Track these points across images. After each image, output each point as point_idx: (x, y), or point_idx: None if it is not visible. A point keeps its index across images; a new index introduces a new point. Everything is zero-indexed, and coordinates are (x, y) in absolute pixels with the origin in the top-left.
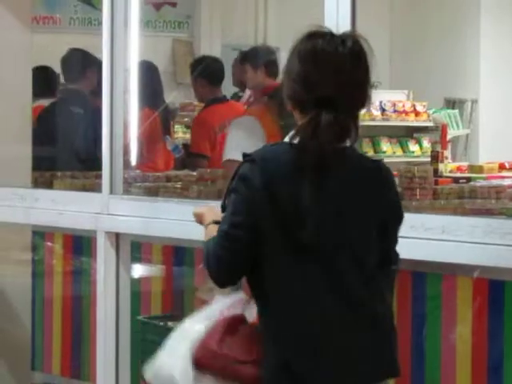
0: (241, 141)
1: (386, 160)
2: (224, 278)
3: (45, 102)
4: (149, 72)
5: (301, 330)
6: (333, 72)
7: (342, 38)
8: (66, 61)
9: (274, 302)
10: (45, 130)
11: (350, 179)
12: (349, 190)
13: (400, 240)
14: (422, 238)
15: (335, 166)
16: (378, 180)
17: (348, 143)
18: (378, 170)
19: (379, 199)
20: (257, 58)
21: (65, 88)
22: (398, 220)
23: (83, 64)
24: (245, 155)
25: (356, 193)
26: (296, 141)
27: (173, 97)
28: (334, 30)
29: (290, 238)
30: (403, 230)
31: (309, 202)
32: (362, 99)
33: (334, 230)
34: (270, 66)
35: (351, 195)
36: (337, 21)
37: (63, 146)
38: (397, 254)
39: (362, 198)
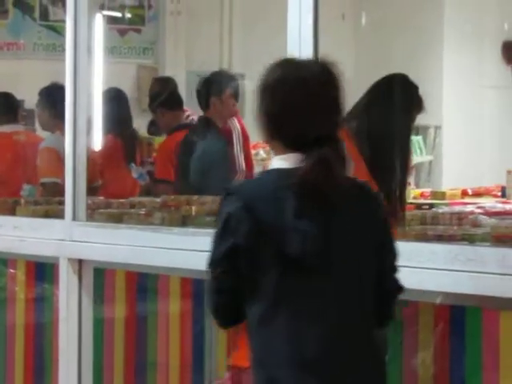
0: None
1: None
2: (221, 320)
3: (6, 129)
4: (115, 99)
5: (291, 352)
6: (320, 105)
7: (319, 64)
8: None
9: (269, 323)
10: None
11: (336, 197)
12: (336, 211)
13: None
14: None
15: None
16: (364, 197)
17: None
18: (362, 187)
19: (372, 218)
20: (216, 83)
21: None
22: (387, 236)
23: None
24: (225, 188)
25: (344, 214)
26: (301, 178)
27: (137, 124)
28: (297, 52)
29: (280, 254)
30: None
31: (293, 219)
32: (341, 121)
33: (327, 247)
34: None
35: (339, 216)
36: (299, 46)
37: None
38: (398, 285)
39: (350, 219)
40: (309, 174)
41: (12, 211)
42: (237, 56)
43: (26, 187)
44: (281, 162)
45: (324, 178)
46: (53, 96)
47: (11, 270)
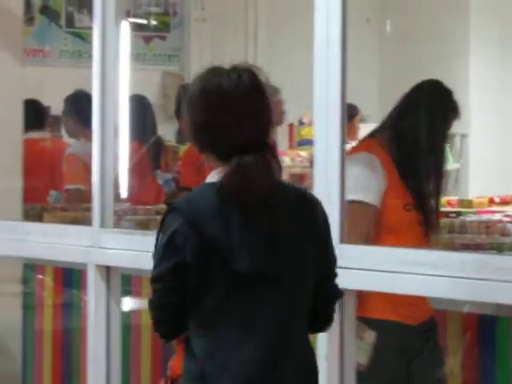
0: (362, 179)
1: None
2: (161, 333)
3: (34, 135)
4: (140, 106)
5: (234, 362)
6: (239, 113)
7: (238, 73)
8: None
9: (203, 324)
10: None
11: (279, 208)
12: (277, 218)
13: (391, 275)
14: (414, 273)
15: (264, 201)
16: (307, 206)
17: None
18: (305, 196)
19: (310, 223)
20: None
21: None
22: (326, 243)
23: None
24: (167, 203)
25: (286, 222)
26: (222, 185)
27: (163, 130)
28: (324, 63)
29: (227, 268)
30: (396, 264)
31: (238, 233)
32: (270, 130)
33: (271, 257)
34: None
35: (281, 223)
36: (327, 54)
37: None
38: (338, 290)
39: (292, 226)
40: (225, 181)
41: (39, 217)
42: (262, 63)
43: (52, 193)
44: (214, 175)
45: (239, 183)
46: (78, 103)
47: (39, 276)
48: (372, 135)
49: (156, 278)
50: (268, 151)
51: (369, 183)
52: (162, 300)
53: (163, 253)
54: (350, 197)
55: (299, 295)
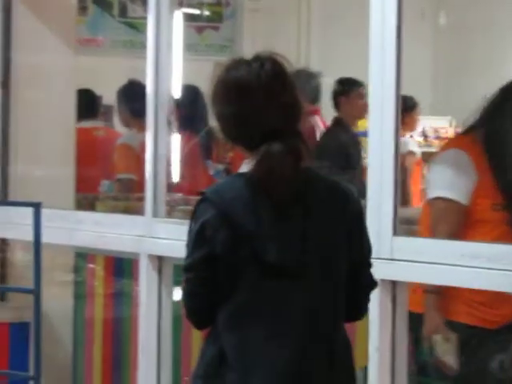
0: (450, 176)
1: None
2: (193, 321)
3: (86, 125)
4: (192, 96)
5: (257, 344)
6: (263, 102)
7: (260, 61)
8: None
9: (234, 315)
10: None
11: (311, 199)
12: (309, 208)
13: (445, 268)
14: (468, 265)
15: (294, 190)
16: (340, 197)
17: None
18: (339, 188)
19: (343, 214)
20: (297, 82)
21: None
22: (360, 234)
23: None
24: (199, 193)
25: (317, 213)
26: (251, 175)
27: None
28: (380, 55)
29: (257, 260)
30: (450, 257)
31: (269, 225)
32: (298, 115)
33: (301, 249)
34: (311, 91)
35: (313, 213)
36: (382, 46)
37: None
38: (372, 279)
39: (324, 217)
40: (253, 171)
41: (92, 207)
42: (315, 54)
43: (104, 183)
44: (245, 165)
45: (266, 172)
46: (130, 93)
47: (90, 265)
48: (466, 132)
49: (188, 268)
50: (297, 139)
51: (457, 181)
52: (194, 289)
53: (195, 243)
54: (436, 193)
55: (330, 286)
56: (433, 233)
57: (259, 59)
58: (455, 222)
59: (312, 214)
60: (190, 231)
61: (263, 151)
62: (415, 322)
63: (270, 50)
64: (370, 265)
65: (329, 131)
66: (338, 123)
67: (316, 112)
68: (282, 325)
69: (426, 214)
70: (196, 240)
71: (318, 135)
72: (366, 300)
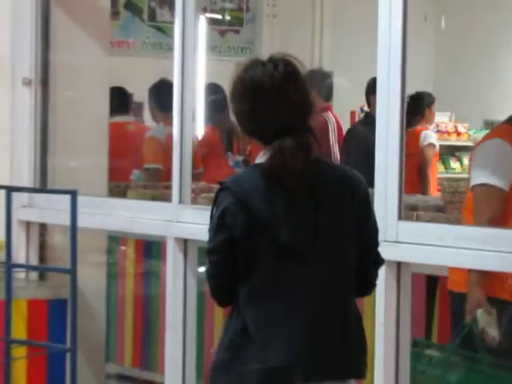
0: (493, 164)
1: None
2: (217, 299)
3: (119, 119)
4: (214, 93)
5: (275, 317)
6: (277, 100)
7: (274, 63)
8: None
9: (254, 292)
10: None
11: (321, 186)
12: (320, 194)
13: (444, 250)
14: (465, 247)
15: (305, 179)
16: (347, 183)
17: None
18: (347, 174)
19: (350, 199)
20: (311, 81)
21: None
22: (368, 217)
23: None
24: (219, 183)
25: (327, 199)
26: (266, 167)
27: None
28: (386, 56)
29: (272, 242)
30: (448, 240)
31: (282, 210)
32: (309, 112)
33: (312, 231)
34: (324, 89)
35: (323, 199)
36: (389, 48)
37: None
38: (380, 258)
39: (333, 203)
40: (268, 163)
41: (123, 194)
42: (327, 55)
43: (135, 172)
44: (260, 158)
45: (280, 164)
46: (159, 90)
47: (122, 248)
48: (508, 121)
49: (211, 250)
50: (308, 134)
51: (500, 168)
52: (217, 270)
53: (216, 228)
54: (480, 180)
55: (341, 265)
56: (476, 217)
57: (273, 61)
58: (498, 207)
59: (323, 202)
60: (211, 217)
61: (276, 146)
62: (455, 300)
63: (283, 52)
64: (377, 244)
65: (359, 125)
66: (368, 118)
67: (329, 108)
68: (297, 301)
69: (470, 200)
70: (217, 225)
71: (331, 129)
72: (374, 276)
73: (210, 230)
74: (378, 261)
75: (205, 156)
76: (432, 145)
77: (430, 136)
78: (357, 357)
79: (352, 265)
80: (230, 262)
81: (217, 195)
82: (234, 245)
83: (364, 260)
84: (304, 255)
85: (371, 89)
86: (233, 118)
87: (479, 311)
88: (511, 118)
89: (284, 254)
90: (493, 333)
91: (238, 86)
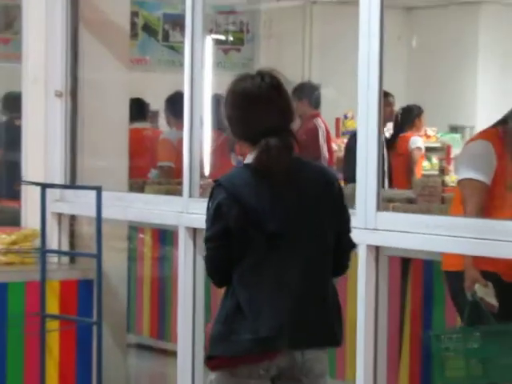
0: (477, 162)
1: None
2: (215, 281)
3: (138, 126)
4: (219, 103)
5: (264, 295)
6: (262, 107)
7: (261, 75)
8: None
9: (246, 274)
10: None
11: (302, 181)
12: (301, 188)
13: (416, 235)
14: (433, 234)
15: (288, 174)
16: (323, 178)
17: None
18: (323, 171)
19: (326, 192)
20: (302, 92)
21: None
22: (341, 207)
23: None
24: (214, 180)
25: (308, 191)
26: (253, 164)
27: None
28: (366, 71)
29: (261, 230)
30: (419, 227)
31: (269, 202)
32: (291, 117)
33: (295, 220)
34: (314, 99)
35: (304, 192)
36: (368, 64)
37: None
38: (351, 243)
39: (313, 195)
40: (256, 160)
41: (141, 189)
42: (316, 70)
43: (152, 171)
44: (249, 157)
45: (266, 160)
46: (174, 101)
47: (140, 235)
48: (494, 126)
49: (209, 239)
50: (290, 135)
51: (483, 165)
52: (214, 255)
53: (212, 219)
54: (467, 175)
55: (321, 249)
56: (465, 205)
57: (260, 74)
58: (482, 198)
59: (304, 195)
60: (208, 209)
61: (263, 145)
62: (453, 278)
63: (269, 67)
64: (349, 231)
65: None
66: None
67: (318, 115)
68: (283, 280)
69: (457, 193)
70: (214, 217)
71: (320, 133)
72: (347, 259)
73: (207, 221)
74: (351, 245)
75: (211, 155)
76: (419, 148)
77: (417, 141)
78: (335, 328)
79: (330, 248)
80: (225, 249)
81: (212, 191)
82: (229, 233)
83: (339, 245)
84: (289, 241)
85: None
86: (225, 123)
87: (477, 285)
88: (497, 123)
89: (271, 240)
90: (492, 301)
91: (230, 96)
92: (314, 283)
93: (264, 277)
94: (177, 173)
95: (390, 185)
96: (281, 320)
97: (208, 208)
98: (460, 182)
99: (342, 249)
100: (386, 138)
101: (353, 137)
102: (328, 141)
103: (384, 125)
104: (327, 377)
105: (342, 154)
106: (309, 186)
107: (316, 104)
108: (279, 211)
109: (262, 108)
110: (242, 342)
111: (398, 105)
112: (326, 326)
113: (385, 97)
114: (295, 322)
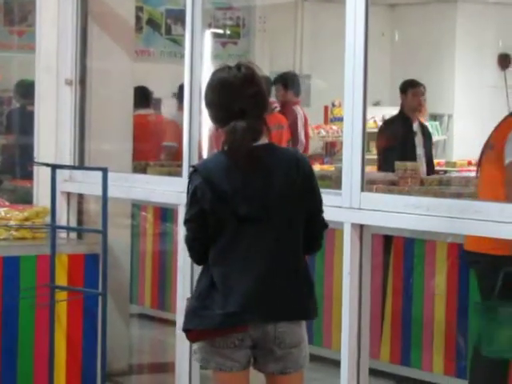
0: None
1: None
2: (194, 259)
3: (143, 112)
4: None
5: (235, 272)
6: (236, 93)
7: (238, 67)
8: None
9: (220, 253)
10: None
11: (272, 165)
12: (271, 172)
13: (397, 215)
14: (413, 213)
15: (257, 158)
16: (293, 161)
17: (266, 141)
18: (294, 155)
19: (296, 175)
20: (287, 81)
21: None
22: (312, 189)
23: None
24: (192, 166)
25: (278, 175)
26: (222, 145)
27: None
28: (352, 64)
29: (233, 212)
30: (400, 207)
31: (240, 186)
32: (263, 105)
33: (265, 202)
34: (295, 87)
35: (274, 176)
36: (354, 57)
37: None
38: (323, 222)
39: (283, 178)
40: (223, 141)
41: (144, 171)
42: (306, 62)
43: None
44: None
45: (232, 141)
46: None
47: (143, 213)
48: None
49: (187, 220)
50: (259, 121)
51: None
52: (192, 235)
53: (190, 202)
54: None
55: (291, 228)
56: (508, 189)
57: (238, 66)
58: None
59: (274, 177)
60: (187, 193)
61: (231, 126)
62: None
63: (247, 60)
64: (321, 211)
65: (392, 121)
66: (399, 115)
67: (298, 103)
68: (254, 258)
69: (496, 175)
70: (191, 200)
71: (299, 119)
72: (320, 238)
73: (186, 204)
74: (323, 225)
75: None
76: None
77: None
78: (306, 302)
79: (300, 227)
80: (202, 229)
81: (190, 176)
82: (205, 215)
83: (311, 224)
84: (259, 221)
85: (400, 89)
86: (204, 109)
87: None
88: None
89: (243, 221)
90: None
91: (209, 83)
92: (284, 261)
93: (235, 256)
94: (180, 154)
95: (430, 172)
96: (249, 296)
97: (187, 192)
98: (508, 164)
99: (314, 228)
100: (422, 124)
101: (385, 126)
102: (305, 127)
103: (413, 115)
104: (303, 346)
105: (329, 138)
106: (279, 170)
107: (297, 92)
108: (249, 194)
109: (234, 94)
110: (212, 316)
111: (382, 94)
112: (296, 301)
113: (417, 86)
114: (264, 297)
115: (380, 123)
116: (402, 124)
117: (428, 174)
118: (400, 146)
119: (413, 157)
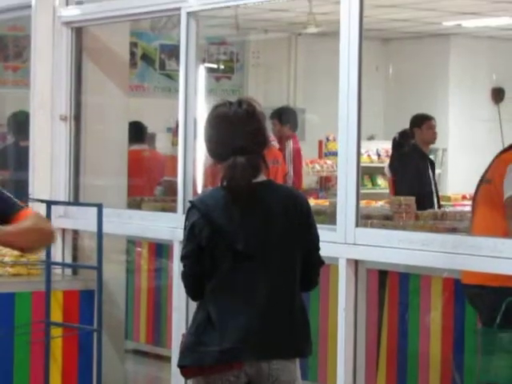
0: None
1: (379, 191)
2: (190, 295)
3: (137, 147)
4: None
5: (231, 309)
6: (236, 129)
7: (239, 103)
8: None
9: (216, 289)
10: None
11: (270, 202)
12: (269, 209)
13: (392, 250)
14: (407, 248)
15: (256, 194)
16: (291, 199)
17: (264, 178)
18: (291, 193)
19: (294, 212)
20: (284, 115)
21: None
22: (309, 226)
23: None
24: (189, 202)
25: (276, 212)
26: (222, 180)
27: None
28: (346, 98)
29: (231, 248)
30: (395, 242)
31: (238, 223)
32: (262, 142)
33: (263, 239)
34: (292, 122)
35: (272, 213)
36: (348, 91)
37: None
38: (320, 259)
39: (281, 215)
40: (222, 177)
41: (139, 206)
42: (300, 96)
43: (158, 188)
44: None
45: (232, 177)
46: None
47: (138, 249)
48: None
49: (184, 257)
50: (258, 157)
51: None
52: (189, 272)
53: (187, 238)
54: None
55: (287, 266)
56: (509, 224)
57: (239, 101)
58: None
59: (272, 215)
60: (184, 229)
61: (230, 162)
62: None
63: (250, 97)
64: (318, 249)
65: (406, 154)
66: (414, 149)
67: (291, 137)
68: (251, 296)
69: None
70: (188, 237)
71: (287, 153)
72: (316, 275)
73: (183, 240)
74: (319, 262)
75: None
76: None
77: None
78: (300, 341)
79: (297, 265)
80: (198, 266)
81: (188, 212)
82: (201, 252)
83: (307, 261)
84: (256, 258)
85: (414, 123)
86: (203, 143)
87: None
88: None
89: (240, 258)
90: None
91: (209, 118)
92: (280, 299)
93: (232, 292)
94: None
95: (439, 205)
96: (245, 333)
97: (184, 228)
98: (507, 199)
99: (311, 265)
100: (430, 160)
101: (399, 158)
102: (296, 162)
103: (426, 148)
104: (297, 383)
105: (323, 173)
106: (277, 207)
107: (293, 127)
108: (247, 231)
109: (233, 129)
110: (209, 352)
111: (376, 128)
112: (292, 339)
113: (431, 119)
114: (260, 334)
115: (383, 154)
116: (420, 157)
117: (438, 207)
118: (418, 180)
119: (430, 191)
